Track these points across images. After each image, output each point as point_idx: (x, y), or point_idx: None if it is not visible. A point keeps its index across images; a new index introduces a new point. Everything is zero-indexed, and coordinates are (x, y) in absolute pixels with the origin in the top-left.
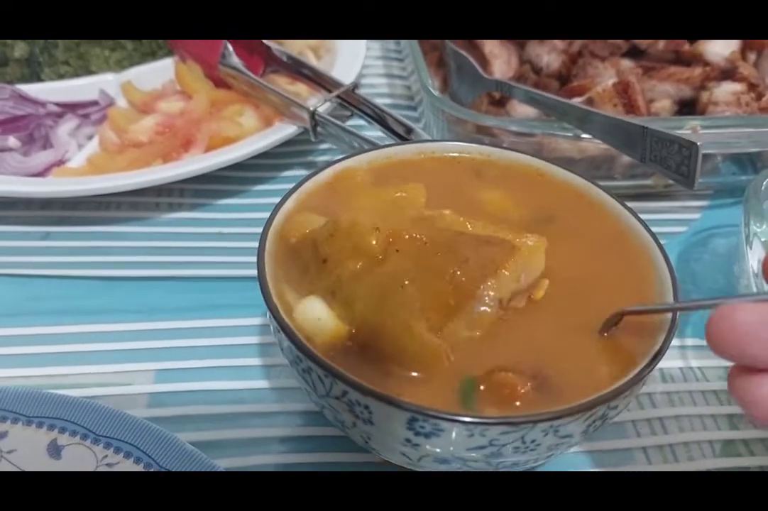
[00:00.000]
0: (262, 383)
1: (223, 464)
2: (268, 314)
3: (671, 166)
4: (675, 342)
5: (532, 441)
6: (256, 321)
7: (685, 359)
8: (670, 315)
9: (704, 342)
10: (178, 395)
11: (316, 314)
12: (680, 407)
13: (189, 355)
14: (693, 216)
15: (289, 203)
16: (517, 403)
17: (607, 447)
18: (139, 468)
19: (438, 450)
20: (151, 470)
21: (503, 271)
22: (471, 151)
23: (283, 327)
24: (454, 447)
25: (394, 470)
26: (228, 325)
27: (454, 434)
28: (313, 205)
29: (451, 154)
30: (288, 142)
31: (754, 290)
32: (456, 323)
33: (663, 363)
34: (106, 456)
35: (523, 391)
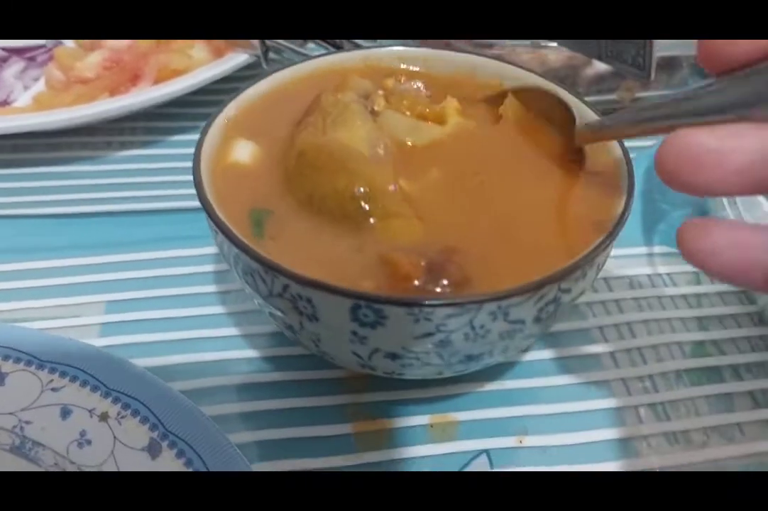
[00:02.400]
0: (217, 309)
1: (178, 386)
2: (206, 217)
3: (626, 59)
4: (642, 250)
5: (481, 327)
6: (210, 250)
7: (653, 266)
8: (626, 185)
9: (672, 249)
10: (130, 324)
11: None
12: (648, 312)
13: (140, 285)
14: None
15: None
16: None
17: (574, 353)
18: (86, 390)
19: (385, 342)
20: (99, 392)
21: None
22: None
23: (216, 222)
24: (401, 337)
25: (355, 388)
26: (180, 255)
27: (398, 320)
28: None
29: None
30: (241, 77)
31: (724, 200)
32: None
33: (631, 270)
34: (51, 380)
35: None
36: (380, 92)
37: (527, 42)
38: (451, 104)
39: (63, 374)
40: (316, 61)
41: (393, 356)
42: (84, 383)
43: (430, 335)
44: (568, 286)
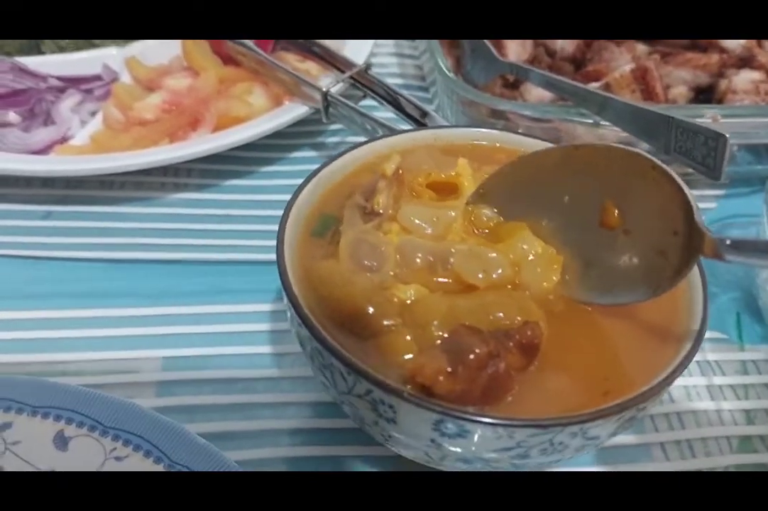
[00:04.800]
0: (273, 372)
1: (233, 456)
2: (288, 306)
3: (696, 157)
4: None
5: (560, 443)
6: (266, 307)
7: (703, 353)
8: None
9: (721, 335)
10: (187, 384)
11: None
12: (698, 402)
13: (197, 342)
14: (709, 205)
15: (310, 187)
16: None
17: (626, 442)
18: (149, 461)
19: (462, 451)
20: (162, 464)
21: None
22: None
23: (305, 320)
24: (479, 448)
25: (410, 469)
26: (236, 311)
27: (480, 436)
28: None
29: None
30: (298, 122)
31: None
32: None
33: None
34: (114, 449)
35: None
36: (381, 184)
37: (589, 120)
38: (462, 165)
39: (126, 442)
40: (387, 141)
41: (466, 461)
42: (147, 454)
43: (509, 449)
44: (645, 405)
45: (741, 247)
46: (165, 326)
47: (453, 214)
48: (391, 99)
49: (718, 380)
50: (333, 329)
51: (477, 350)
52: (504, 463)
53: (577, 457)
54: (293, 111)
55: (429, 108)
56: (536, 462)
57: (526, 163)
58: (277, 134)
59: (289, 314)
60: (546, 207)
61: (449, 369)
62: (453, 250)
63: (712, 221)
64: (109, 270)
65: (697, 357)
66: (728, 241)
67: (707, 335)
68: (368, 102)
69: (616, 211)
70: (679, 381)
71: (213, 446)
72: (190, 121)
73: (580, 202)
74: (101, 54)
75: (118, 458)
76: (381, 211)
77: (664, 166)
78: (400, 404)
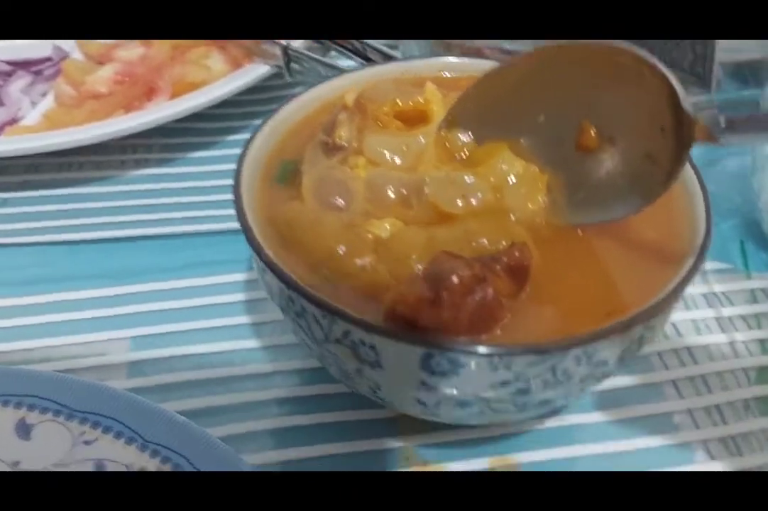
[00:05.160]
0: (252, 343)
1: (217, 432)
2: (252, 254)
3: (684, 66)
4: None
5: (564, 372)
6: (240, 277)
7: (708, 284)
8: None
9: (726, 265)
10: (159, 362)
11: None
12: (708, 335)
13: (167, 319)
14: None
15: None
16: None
17: (634, 383)
18: (120, 442)
19: (457, 391)
20: (135, 444)
21: None
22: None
23: (270, 265)
24: (476, 386)
25: (405, 430)
26: (208, 283)
27: (475, 369)
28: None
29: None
30: (260, 89)
31: None
32: None
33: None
34: (83, 433)
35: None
36: (342, 115)
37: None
38: (431, 90)
39: (95, 425)
40: (350, 76)
41: (463, 404)
42: (118, 435)
43: (507, 383)
44: (656, 323)
45: (737, 124)
46: (133, 304)
47: (423, 141)
48: (357, 50)
49: (727, 311)
50: (307, 277)
51: (461, 274)
52: (506, 403)
53: (583, 398)
54: (254, 71)
55: (397, 54)
56: (539, 398)
57: (494, 79)
58: (239, 102)
59: (255, 265)
60: (522, 123)
61: (432, 295)
62: (427, 179)
63: (703, 152)
64: (72, 253)
65: (703, 289)
66: (723, 120)
67: (711, 265)
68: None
69: (593, 131)
70: (686, 315)
71: (192, 422)
72: (145, 91)
73: (558, 113)
74: None
75: (87, 442)
76: (345, 144)
77: (645, 55)
78: (381, 343)
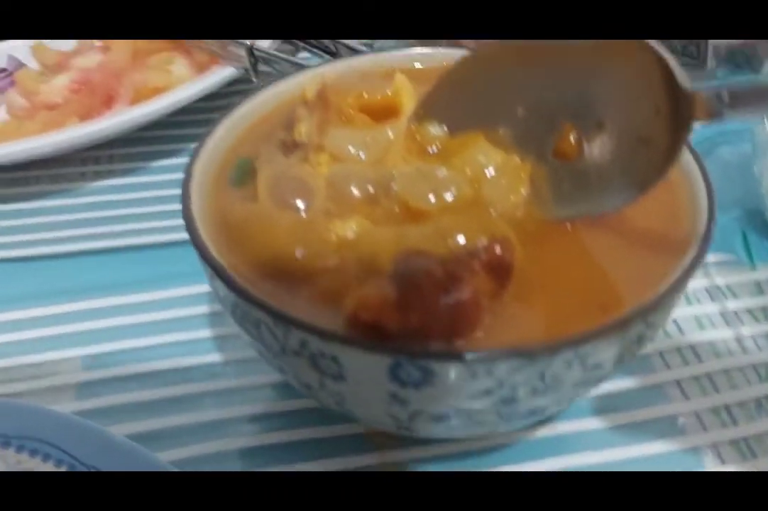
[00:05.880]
0: (213, 358)
1: (170, 456)
2: (198, 258)
3: (676, 48)
4: None
5: (553, 377)
6: (202, 289)
7: (710, 277)
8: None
9: (729, 257)
10: (111, 382)
11: None
12: (712, 331)
13: (121, 335)
14: (695, 126)
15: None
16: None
17: (634, 385)
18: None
19: (433, 404)
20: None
21: None
22: None
23: (216, 269)
24: (454, 397)
25: (381, 446)
26: (167, 297)
27: (452, 378)
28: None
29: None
30: (226, 94)
31: None
32: None
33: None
34: (18, 462)
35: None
36: (301, 110)
37: None
38: (401, 80)
39: (33, 453)
40: (313, 71)
41: (441, 418)
42: (59, 463)
43: (490, 392)
44: (657, 320)
45: (741, 98)
46: (84, 321)
47: (392, 134)
48: (328, 48)
49: (731, 304)
50: (258, 282)
51: (433, 272)
52: (489, 414)
53: (580, 403)
54: (218, 74)
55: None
56: (527, 408)
57: (469, 66)
58: (204, 109)
59: (205, 273)
60: (501, 112)
61: (399, 297)
62: (395, 173)
63: (700, 141)
64: (22, 270)
65: (705, 282)
66: (725, 94)
67: (713, 258)
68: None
69: (573, 136)
70: (688, 310)
71: (140, 446)
72: (103, 100)
73: (540, 100)
74: (5, 47)
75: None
76: (305, 140)
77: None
78: (343, 353)
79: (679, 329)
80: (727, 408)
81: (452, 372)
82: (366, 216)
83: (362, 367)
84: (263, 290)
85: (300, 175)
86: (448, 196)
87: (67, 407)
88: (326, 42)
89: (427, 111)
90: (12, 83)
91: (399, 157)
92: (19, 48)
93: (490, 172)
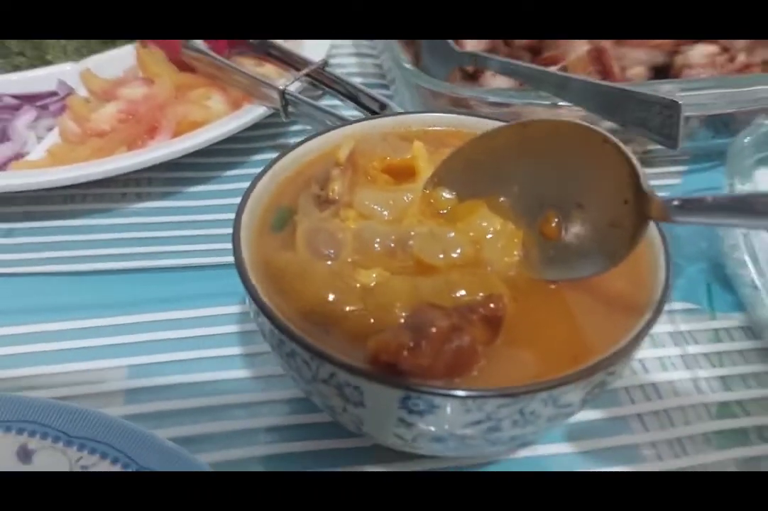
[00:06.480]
0: (243, 373)
1: (207, 459)
2: (247, 297)
3: (653, 127)
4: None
5: (531, 413)
6: (234, 309)
7: (675, 324)
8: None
9: (693, 305)
10: (154, 391)
11: None
12: (673, 372)
13: (163, 348)
14: (673, 181)
15: (266, 179)
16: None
17: (603, 416)
18: (117, 468)
19: (433, 428)
20: (130, 469)
21: None
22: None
23: (263, 309)
24: (450, 424)
25: (386, 458)
26: (204, 315)
27: (449, 410)
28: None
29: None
30: (258, 126)
31: (743, 248)
32: None
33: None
34: (80, 458)
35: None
36: (335, 171)
37: (547, 101)
38: (418, 147)
39: (92, 451)
40: (343, 130)
41: (439, 440)
42: (115, 461)
43: (479, 422)
44: (614, 369)
45: (687, 206)
46: (130, 334)
47: (409, 196)
48: (351, 95)
49: (692, 348)
50: (297, 321)
51: (440, 324)
52: (478, 439)
53: (553, 430)
54: (252, 112)
55: (389, 101)
56: (509, 435)
57: (478, 145)
58: (238, 139)
59: (250, 308)
60: (502, 186)
61: (412, 344)
62: (412, 232)
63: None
64: (73, 283)
65: (670, 328)
66: (675, 202)
67: (679, 306)
68: (329, 101)
69: (555, 222)
70: (653, 352)
71: (183, 449)
72: (147, 130)
73: (534, 180)
74: (56, 70)
75: (84, 467)
76: (337, 198)
77: (611, 136)
78: (364, 384)
79: (644, 369)
80: (680, 441)
81: (450, 406)
82: (385, 267)
83: (379, 397)
84: (300, 326)
85: (332, 229)
86: (455, 255)
87: (116, 411)
88: (348, 88)
89: (440, 179)
90: (64, 108)
91: (415, 216)
92: (67, 73)
93: (489, 236)
